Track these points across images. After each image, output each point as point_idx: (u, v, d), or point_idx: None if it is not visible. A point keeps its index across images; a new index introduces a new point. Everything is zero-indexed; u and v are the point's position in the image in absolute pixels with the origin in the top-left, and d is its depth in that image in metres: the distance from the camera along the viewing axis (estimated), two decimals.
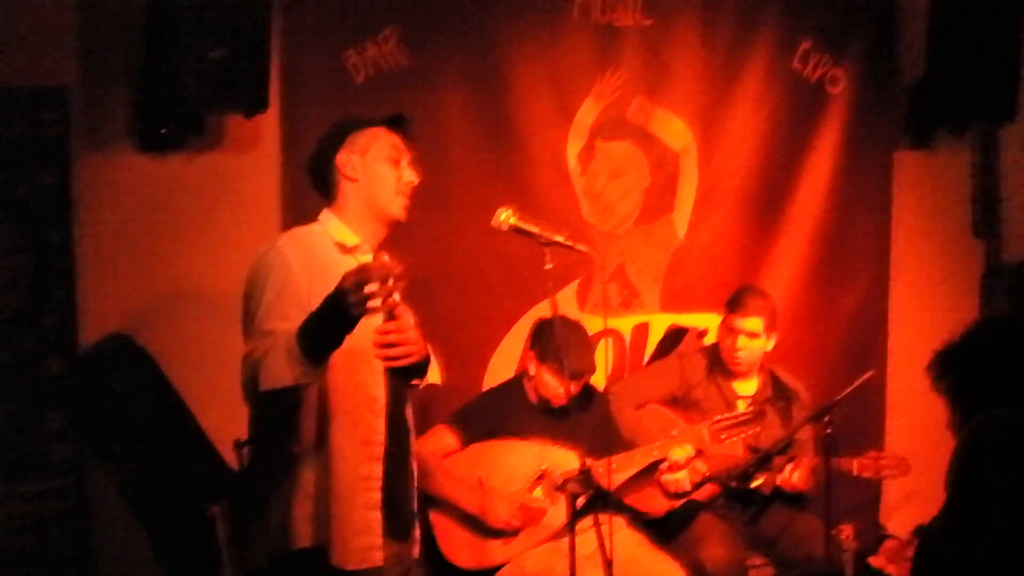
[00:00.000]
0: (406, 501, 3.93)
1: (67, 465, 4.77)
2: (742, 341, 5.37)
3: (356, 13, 5.29)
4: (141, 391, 4.90)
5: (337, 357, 3.59)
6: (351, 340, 3.55)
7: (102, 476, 4.94)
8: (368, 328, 3.70)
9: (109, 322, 4.96)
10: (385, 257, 3.42)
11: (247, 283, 3.77)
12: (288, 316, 3.57)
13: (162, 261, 5.10)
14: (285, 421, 3.69)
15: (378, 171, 3.82)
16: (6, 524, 4.66)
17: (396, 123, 3.91)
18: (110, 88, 4.99)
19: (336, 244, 3.79)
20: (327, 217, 3.84)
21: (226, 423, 4.92)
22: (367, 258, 3.77)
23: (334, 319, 3.36)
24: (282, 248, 3.72)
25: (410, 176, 3.85)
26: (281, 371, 3.47)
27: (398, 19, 5.34)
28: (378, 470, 3.76)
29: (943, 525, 3.35)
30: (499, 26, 5.50)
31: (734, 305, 5.39)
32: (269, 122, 5.17)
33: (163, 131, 5.00)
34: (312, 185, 3.93)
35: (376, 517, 3.75)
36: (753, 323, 5.35)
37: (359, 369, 3.74)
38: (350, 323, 3.37)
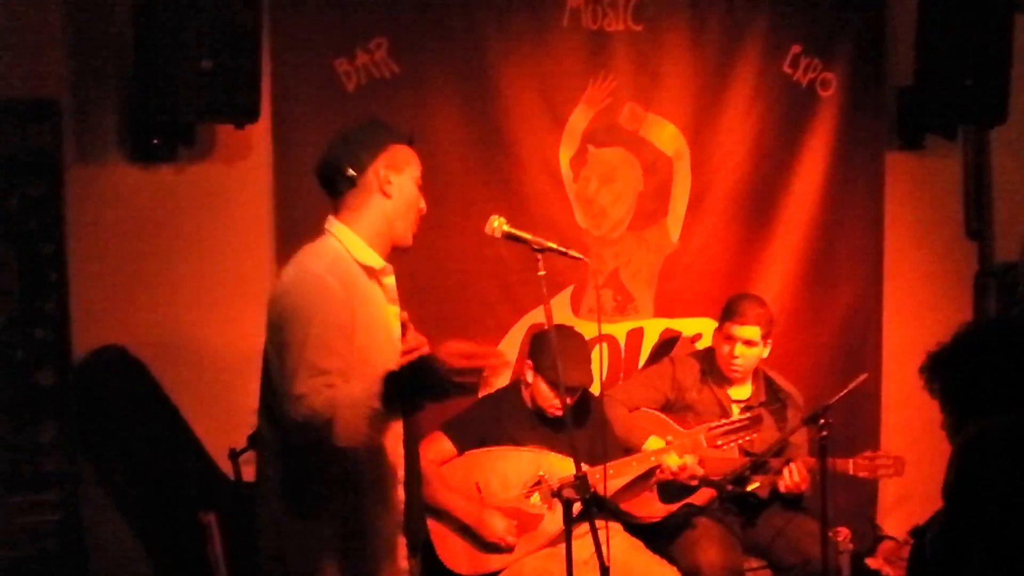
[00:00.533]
0: (419, 518, 3.93)
1: (61, 476, 4.76)
2: (739, 349, 5.37)
3: (345, 23, 5.29)
4: (135, 401, 4.90)
5: (379, 363, 3.53)
6: (377, 367, 3.49)
7: (97, 487, 4.94)
8: (391, 352, 3.65)
9: (102, 333, 4.96)
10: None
11: (285, 310, 3.51)
12: (340, 352, 3.46)
13: (154, 271, 5.09)
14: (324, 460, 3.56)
15: (410, 194, 3.70)
16: (1, 536, 4.65)
17: (412, 143, 3.78)
18: (100, 99, 4.99)
19: (363, 267, 3.64)
20: (342, 231, 3.65)
21: (220, 432, 4.94)
22: (390, 281, 3.73)
23: (429, 395, 3.34)
24: (322, 276, 3.51)
25: (423, 204, 3.76)
26: (364, 432, 3.35)
27: (387, 28, 5.34)
28: (401, 494, 3.76)
29: (937, 536, 3.35)
30: (489, 33, 5.50)
31: (731, 313, 5.40)
32: (260, 132, 5.17)
33: (154, 142, 4.99)
34: (322, 181, 3.72)
35: (402, 541, 3.76)
36: (750, 331, 5.36)
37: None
38: (446, 399, 3.36)
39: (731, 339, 5.38)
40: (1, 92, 4.74)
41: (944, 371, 3.49)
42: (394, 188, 3.66)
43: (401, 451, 3.73)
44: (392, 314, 3.74)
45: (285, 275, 3.62)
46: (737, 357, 5.38)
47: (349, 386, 3.40)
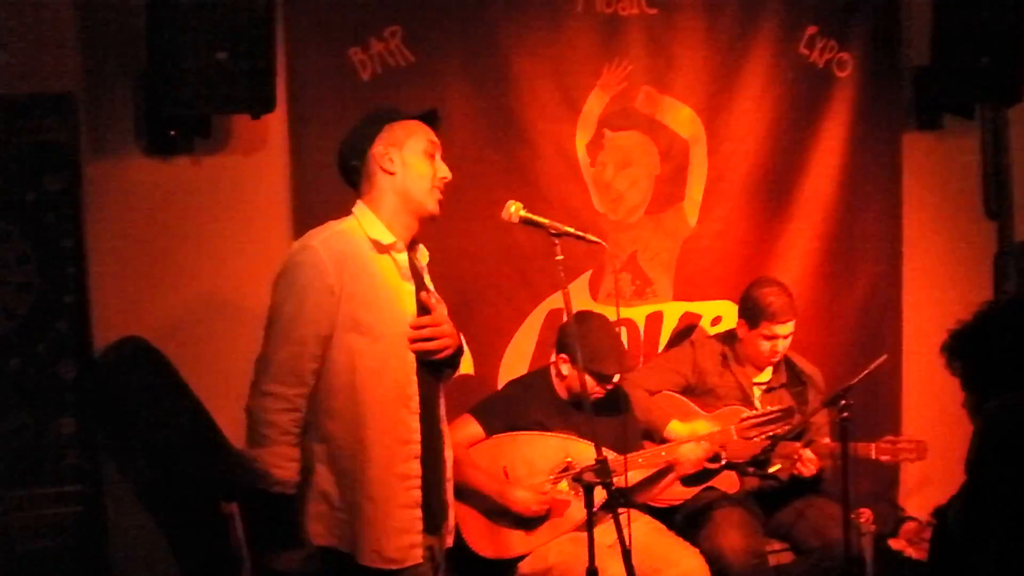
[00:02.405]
0: (440, 495, 3.97)
1: (83, 469, 4.78)
2: (781, 344, 5.37)
3: (359, 11, 5.29)
4: (156, 392, 4.91)
5: (368, 359, 3.65)
6: (382, 341, 3.65)
7: (118, 479, 4.96)
8: (397, 327, 3.72)
9: (122, 325, 4.97)
10: None
11: (277, 279, 3.79)
12: (316, 321, 3.67)
13: (173, 263, 5.10)
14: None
15: (415, 165, 3.83)
16: (23, 528, 4.67)
17: (430, 118, 3.92)
18: (116, 93, 5.00)
19: (371, 241, 3.78)
20: (361, 211, 3.83)
21: (242, 422, 4.93)
22: (401, 257, 3.82)
23: None
24: (316, 248, 3.73)
25: (444, 171, 3.88)
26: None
27: (401, 17, 5.33)
28: (416, 468, 3.81)
29: (960, 510, 3.35)
30: (503, 19, 5.49)
31: (766, 313, 5.33)
32: (276, 122, 5.17)
33: (171, 134, 5.00)
34: (342, 177, 3.93)
35: (417, 515, 3.82)
36: (790, 326, 5.36)
37: (391, 369, 3.77)
38: None
39: (773, 338, 5.36)
40: (17, 87, 4.75)
41: (966, 349, 3.49)
42: (396, 164, 3.82)
43: (415, 425, 3.78)
44: (406, 291, 3.83)
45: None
46: (779, 352, 5.39)
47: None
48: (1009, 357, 3.41)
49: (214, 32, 4.72)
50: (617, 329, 5.22)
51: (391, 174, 3.81)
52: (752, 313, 5.38)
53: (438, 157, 3.88)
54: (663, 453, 5.08)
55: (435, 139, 3.89)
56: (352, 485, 3.76)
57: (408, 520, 3.79)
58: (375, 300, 3.74)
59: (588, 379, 4.91)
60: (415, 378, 3.80)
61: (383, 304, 3.76)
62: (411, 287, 3.84)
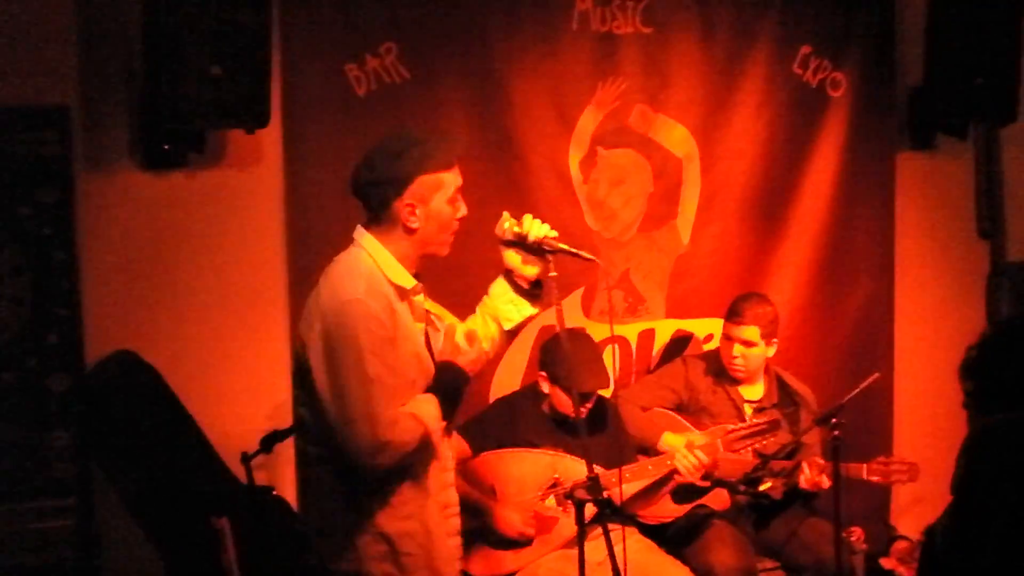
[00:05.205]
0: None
1: (74, 482, 4.77)
2: (738, 349, 5.39)
3: (355, 28, 5.29)
4: (147, 406, 4.91)
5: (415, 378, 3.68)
6: (414, 385, 3.67)
7: (109, 493, 4.95)
8: (421, 366, 3.72)
9: (114, 339, 4.96)
10: None
11: (333, 339, 3.58)
12: (397, 390, 3.60)
13: (166, 277, 5.10)
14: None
15: (438, 216, 3.70)
16: (14, 542, 4.66)
17: (453, 163, 3.73)
18: (111, 106, 5.00)
19: (394, 287, 3.67)
20: (374, 247, 3.68)
21: (232, 437, 4.95)
22: (419, 300, 3.76)
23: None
24: (364, 302, 3.56)
25: (463, 210, 3.76)
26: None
27: (397, 33, 5.34)
28: (454, 496, 3.83)
29: (947, 528, 3.36)
30: (498, 36, 5.50)
31: (731, 314, 5.43)
32: (271, 137, 5.17)
33: (165, 148, 5.00)
34: (355, 194, 3.74)
35: (458, 543, 3.85)
36: (749, 332, 5.36)
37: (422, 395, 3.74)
38: None
39: (731, 339, 5.41)
40: (12, 100, 4.75)
41: (974, 371, 3.51)
42: (419, 219, 3.67)
43: (450, 453, 3.85)
44: (418, 331, 3.77)
45: (326, 293, 3.64)
46: (736, 357, 5.40)
47: (418, 410, 3.61)
48: (1013, 379, 3.43)
49: (210, 47, 4.73)
50: (597, 345, 5.24)
51: (414, 231, 3.68)
52: (725, 316, 5.44)
53: (460, 198, 3.75)
54: (650, 467, 5.07)
55: (459, 179, 3.75)
56: (408, 520, 3.71)
57: (451, 549, 3.81)
58: (405, 346, 3.66)
59: (565, 396, 4.93)
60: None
61: (409, 349, 3.68)
62: (422, 326, 3.79)
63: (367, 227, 3.72)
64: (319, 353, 3.58)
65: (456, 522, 3.83)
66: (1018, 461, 3.24)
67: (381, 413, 3.53)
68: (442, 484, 3.78)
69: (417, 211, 3.65)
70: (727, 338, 5.43)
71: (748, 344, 5.37)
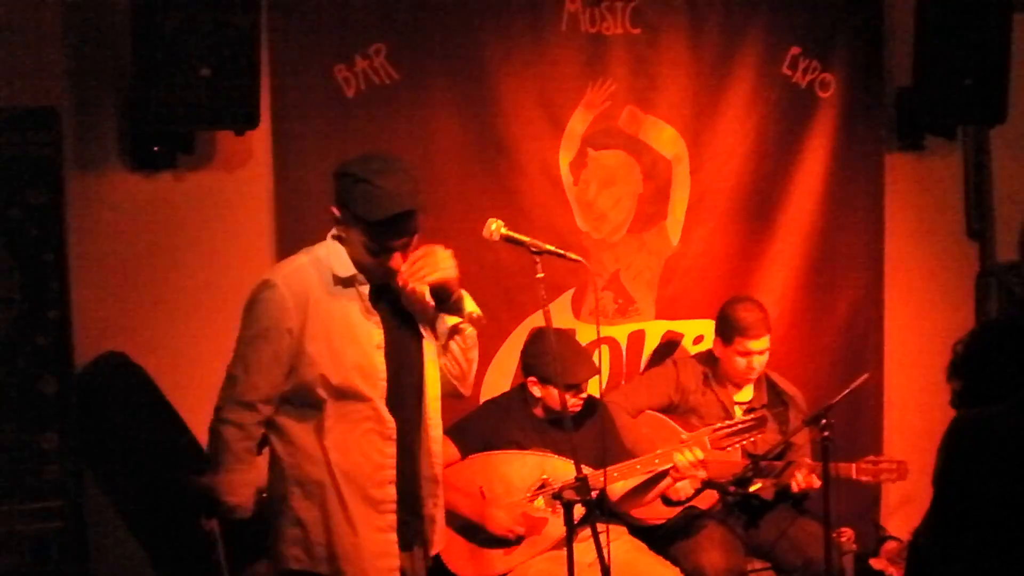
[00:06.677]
0: (416, 513, 3.98)
1: (64, 484, 4.76)
2: (756, 360, 5.37)
3: (344, 29, 5.28)
4: (137, 408, 4.90)
5: (346, 371, 3.76)
6: (347, 374, 3.74)
7: (99, 494, 4.95)
8: (362, 359, 3.75)
9: (103, 340, 4.96)
10: None
11: (244, 311, 3.88)
12: (276, 357, 3.79)
13: (155, 279, 5.10)
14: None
15: (355, 246, 3.79)
16: (3, 544, 4.65)
17: (376, 234, 3.74)
18: (100, 107, 5.00)
19: (333, 275, 3.81)
20: (331, 240, 3.86)
21: None
22: (364, 289, 3.83)
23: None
24: (279, 287, 3.77)
25: (395, 263, 3.78)
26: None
27: (386, 34, 5.34)
28: (392, 493, 3.85)
29: (929, 523, 3.38)
30: (487, 38, 5.50)
31: (740, 329, 5.35)
32: (260, 139, 5.17)
33: (154, 149, 5.00)
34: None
35: (392, 539, 3.87)
36: (763, 342, 5.36)
37: (363, 391, 3.82)
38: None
39: (747, 353, 5.37)
40: (1, 100, 4.74)
41: (961, 370, 3.53)
42: (342, 233, 3.82)
43: (390, 451, 3.82)
44: (371, 322, 3.85)
45: None
46: (755, 368, 5.39)
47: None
48: (998, 377, 3.45)
49: (199, 48, 4.73)
50: (589, 346, 5.27)
51: (342, 236, 3.83)
52: (726, 330, 5.40)
53: (393, 256, 3.76)
54: (638, 466, 5.06)
55: (386, 243, 3.75)
56: (328, 510, 3.81)
57: (384, 544, 3.84)
58: (338, 335, 3.79)
59: (557, 393, 4.92)
60: (384, 405, 3.83)
61: (346, 338, 3.80)
62: (376, 318, 3.85)
63: (336, 225, 3.86)
64: None
65: (391, 519, 3.86)
66: (993, 452, 3.27)
67: (225, 390, 3.85)
68: (376, 481, 3.84)
69: (339, 224, 3.81)
70: (742, 353, 5.37)
71: (763, 352, 5.37)
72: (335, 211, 3.79)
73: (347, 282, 3.81)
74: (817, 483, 5.15)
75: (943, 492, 3.32)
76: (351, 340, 3.80)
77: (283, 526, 3.85)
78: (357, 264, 3.80)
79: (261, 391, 3.80)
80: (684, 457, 4.98)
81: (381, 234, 3.71)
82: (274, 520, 3.89)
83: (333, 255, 3.81)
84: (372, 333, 3.83)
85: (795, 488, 5.20)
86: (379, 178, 3.69)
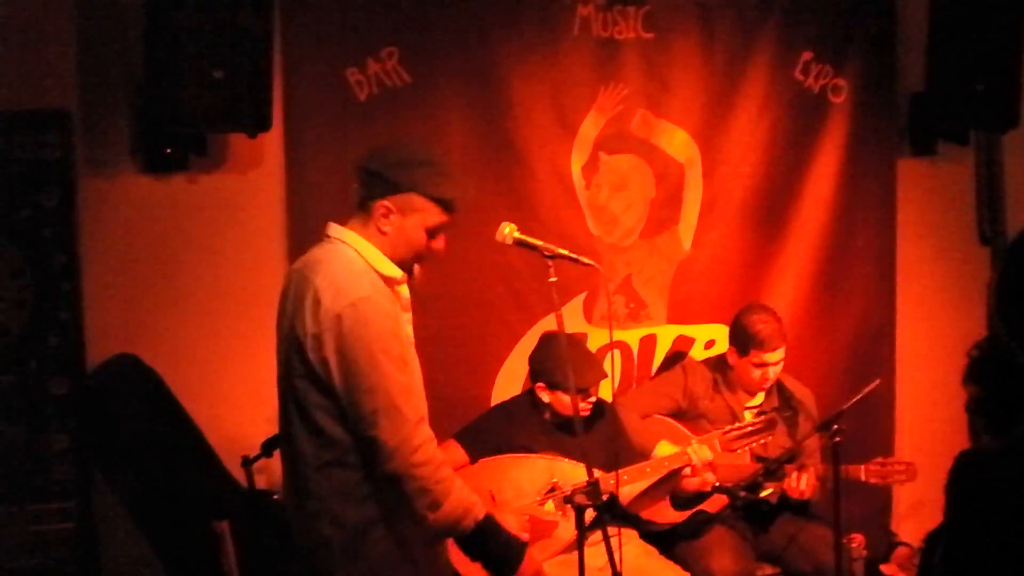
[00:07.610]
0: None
1: (74, 485, 4.78)
2: (772, 371, 5.36)
3: (356, 32, 5.29)
4: (148, 410, 4.91)
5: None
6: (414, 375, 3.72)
7: (109, 495, 4.95)
8: (409, 357, 3.75)
9: (114, 342, 4.97)
10: None
11: (348, 342, 3.57)
12: (413, 388, 3.69)
13: (167, 281, 5.11)
14: None
15: (410, 235, 3.69)
16: (13, 545, 4.66)
17: (451, 208, 3.71)
18: (112, 110, 5.01)
19: (383, 277, 3.68)
20: (357, 241, 3.68)
21: (233, 440, 4.95)
22: (404, 290, 3.77)
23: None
24: (373, 298, 3.59)
25: (440, 246, 3.75)
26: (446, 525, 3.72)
27: (398, 37, 5.34)
28: None
29: (943, 557, 3.35)
30: (500, 42, 5.50)
31: (756, 342, 5.30)
32: (272, 141, 5.18)
33: (166, 152, 5.01)
34: (356, 183, 3.75)
35: (441, 550, 3.98)
36: (779, 353, 5.33)
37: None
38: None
39: (763, 365, 5.34)
40: (14, 103, 4.76)
41: (977, 376, 3.50)
42: (391, 226, 3.67)
43: None
44: (407, 320, 3.80)
45: (330, 295, 3.59)
46: (770, 379, 5.38)
47: (459, 488, 3.70)
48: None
49: (211, 50, 4.74)
50: (600, 350, 5.27)
51: (383, 234, 3.68)
52: (741, 340, 5.37)
53: (440, 237, 3.74)
54: (648, 469, 5.05)
55: (446, 222, 3.73)
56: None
57: (433, 557, 3.91)
58: (401, 334, 3.72)
59: (567, 397, 4.92)
60: None
61: (404, 337, 3.74)
62: (409, 315, 3.82)
63: (345, 223, 3.73)
64: (333, 353, 3.57)
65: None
66: (991, 495, 3.24)
67: (402, 406, 3.58)
68: None
69: (391, 217, 3.66)
70: (758, 365, 5.33)
71: (779, 363, 5.36)
72: (386, 204, 3.63)
73: (390, 283, 3.71)
74: (808, 493, 5.13)
75: (954, 532, 3.30)
76: (407, 338, 3.77)
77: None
78: (397, 262, 3.72)
79: (421, 399, 3.72)
80: (699, 455, 4.98)
81: (453, 209, 3.69)
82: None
83: (372, 257, 3.68)
84: (408, 330, 3.81)
85: (791, 490, 5.17)
86: (436, 157, 3.75)
